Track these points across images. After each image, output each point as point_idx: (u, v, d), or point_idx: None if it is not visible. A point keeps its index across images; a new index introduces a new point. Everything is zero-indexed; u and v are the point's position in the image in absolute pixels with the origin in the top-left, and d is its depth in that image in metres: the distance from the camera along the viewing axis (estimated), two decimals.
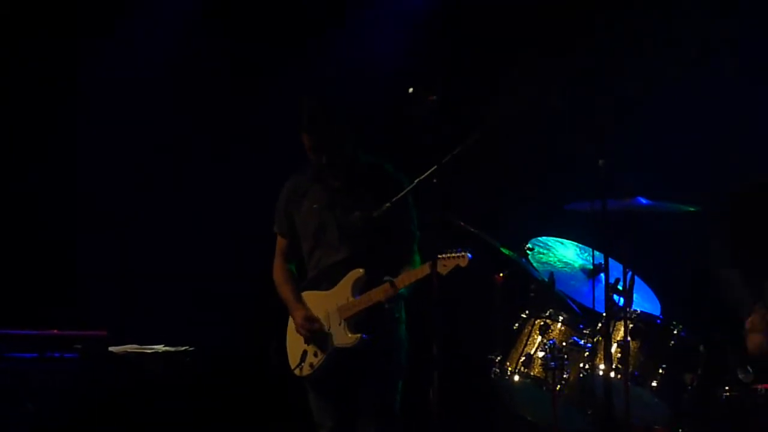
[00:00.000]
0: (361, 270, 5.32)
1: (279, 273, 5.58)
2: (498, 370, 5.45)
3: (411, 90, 5.01)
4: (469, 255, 5.10)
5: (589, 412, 5.27)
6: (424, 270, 5.18)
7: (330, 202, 5.41)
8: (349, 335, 5.37)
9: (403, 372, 5.54)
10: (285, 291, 5.53)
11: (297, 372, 5.46)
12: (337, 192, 5.42)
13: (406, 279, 5.23)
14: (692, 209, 5.42)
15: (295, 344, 5.49)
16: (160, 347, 5.69)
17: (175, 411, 6.63)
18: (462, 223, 5.50)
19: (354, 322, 5.34)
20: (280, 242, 5.64)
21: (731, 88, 6.65)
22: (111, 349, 5.54)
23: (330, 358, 5.39)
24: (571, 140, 6.35)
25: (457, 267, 5.19)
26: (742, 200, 5.77)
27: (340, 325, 5.39)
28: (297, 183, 5.55)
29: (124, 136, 7.66)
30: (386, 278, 5.28)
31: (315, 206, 5.48)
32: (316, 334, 5.43)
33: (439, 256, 5.09)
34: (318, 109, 5.41)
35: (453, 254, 5.14)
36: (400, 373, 5.51)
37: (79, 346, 5.46)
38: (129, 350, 5.66)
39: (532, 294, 5.64)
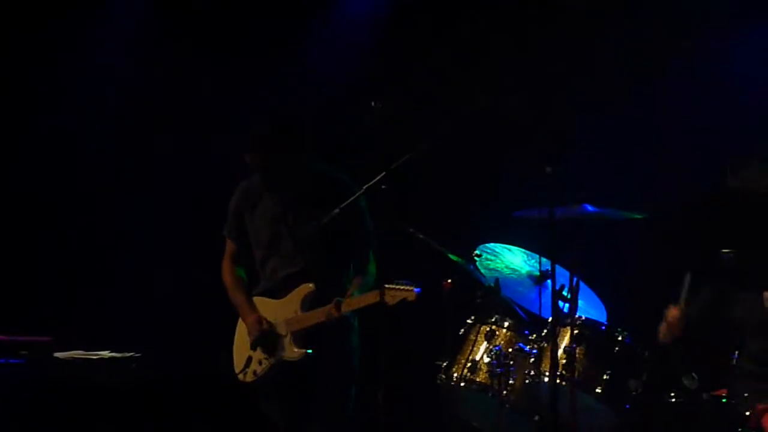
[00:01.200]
0: (311, 285, 5.30)
1: (229, 276, 5.56)
2: (444, 376, 5.44)
3: (373, 103, 5.09)
4: (417, 289, 5.04)
5: (535, 419, 5.27)
6: (370, 298, 5.17)
7: (283, 212, 5.40)
8: (295, 350, 5.38)
9: (355, 377, 5.53)
10: (236, 295, 5.52)
11: (240, 377, 5.46)
12: (290, 202, 5.42)
13: (353, 304, 5.26)
14: (638, 216, 5.44)
15: (241, 349, 5.47)
16: (106, 353, 5.79)
17: (120, 417, 6.43)
18: (411, 230, 5.48)
19: (300, 336, 5.34)
20: (230, 246, 5.61)
21: (677, 100, 6.72)
22: (57, 355, 5.64)
23: (273, 369, 5.38)
24: (521, 149, 6.46)
25: (405, 301, 5.08)
26: (692, 209, 5.89)
27: (286, 337, 5.41)
28: (249, 190, 5.53)
29: (69, 134, 7.53)
30: (336, 299, 5.22)
31: (268, 216, 5.48)
32: (265, 339, 5.38)
33: (387, 286, 5.05)
34: (264, 132, 5.38)
35: (402, 287, 5.08)
36: (351, 378, 5.50)
37: (25, 352, 5.57)
38: (75, 356, 5.75)
39: (478, 300, 5.59)
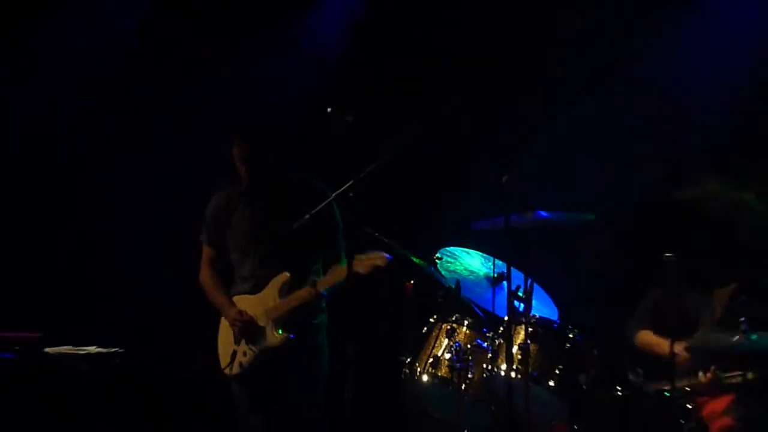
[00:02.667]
0: (287, 274, 5.50)
1: (207, 279, 5.76)
2: (408, 371, 5.60)
3: (329, 110, 5.35)
4: (388, 256, 5.28)
5: (492, 409, 5.43)
6: (342, 272, 5.36)
7: (260, 217, 5.64)
8: (276, 335, 5.53)
9: (324, 374, 5.74)
10: (216, 295, 5.70)
11: (227, 371, 5.62)
12: (265, 207, 5.65)
13: (329, 280, 5.47)
14: (590, 217, 5.59)
15: (225, 346, 5.67)
16: (93, 348, 5.93)
17: (104, 408, 6.52)
18: (376, 234, 5.61)
19: (281, 324, 5.51)
20: (207, 251, 5.80)
21: (625, 113, 6.86)
22: (46, 350, 5.80)
23: (258, 357, 5.55)
24: (478, 158, 6.66)
25: (377, 267, 5.30)
26: (639, 215, 6.22)
27: (267, 326, 5.57)
28: (226, 197, 5.76)
29: (59, 134, 7.61)
30: (312, 279, 5.46)
31: (246, 221, 5.71)
32: (247, 331, 5.59)
33: (358, 255, 5.24)
34: (248, 129, 5.63)
35: (371, 255, 5.29)
36: (322, 374, 5.71)
37: (17, 348, 5.75)
38: (63, 351, 5.91)
39: (439, 300, 5.76)
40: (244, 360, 5.65)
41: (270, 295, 5.61)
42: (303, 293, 5.55)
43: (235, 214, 5.77)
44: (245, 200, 5.75)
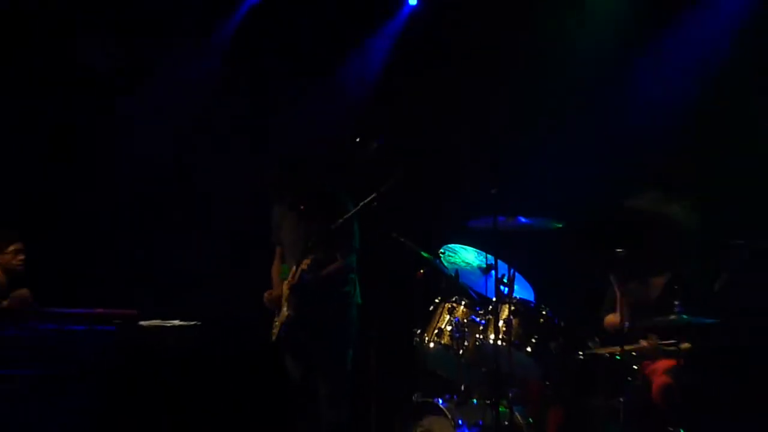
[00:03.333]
0: (304, 264, 6.36)
1: (274, 269, 6.75)
2: (418, 339, 6.34)
3: (357, 139, 6.35)
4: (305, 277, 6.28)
5: (483, 370, 6.17)
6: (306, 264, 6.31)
7: (299, 224, 6.63)
8: (283, 312, 6.49)
9: (351, 343, 6.60)
10: (274, 281, 6.70)
11: (272, 338, 6.55)
12: (303, 216, 6.65)
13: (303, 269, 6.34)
14: (558, 225, 6.38)
15: (275, 320, 6.63)
16: (176, 322, 6.79)
17: (185, 371, 7.10)
18: (394, 235, 6.45)
19: (294, 301, 6.42)
20: (278, 249, 6.82)
21: (589, 136, 7.59)
22: (141, 323, 6.64)
23: (281, 329, 6.48)
24: (474, 173, 7.19)
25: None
26: (598, 220, 6.83)
27: (284, 304, 6.51)
28: (279, 210, 6.79)
29: (146, 142, 8.40)
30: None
31: (290, 227, 6.70)
32: (275, 307, 6.51)
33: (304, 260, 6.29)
34: (286, 167, 6.59)
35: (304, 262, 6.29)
36: (348, 344, 6.57)
37: (118, 321, 6.51)
38: (154, 324, 6.74)
39: (442, 285, 6.49)
40: (275, 330, 6.54)
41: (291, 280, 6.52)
42: (293, 277, 6.42)
43: (284, 222, 6.75)
44: (290, 213, 6.68)
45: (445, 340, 6.25)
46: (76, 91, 8.43)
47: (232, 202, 8.49)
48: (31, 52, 8.32)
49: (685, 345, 6.07)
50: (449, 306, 6.37)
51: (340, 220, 6.34)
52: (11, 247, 7.19)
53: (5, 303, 6.94)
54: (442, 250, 6.62)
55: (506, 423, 6.09)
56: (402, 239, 6.52)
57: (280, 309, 6.57)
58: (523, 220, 6.24)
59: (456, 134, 7.89)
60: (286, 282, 6.64)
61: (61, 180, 8.46)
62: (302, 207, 6.67)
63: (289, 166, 6.69)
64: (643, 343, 6.16)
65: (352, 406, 6.55)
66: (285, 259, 6.83)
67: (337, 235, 6.49)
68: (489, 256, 6.41)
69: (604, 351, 6.23)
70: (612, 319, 6.55)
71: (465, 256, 6.68)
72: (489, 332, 6.09)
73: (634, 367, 6.10)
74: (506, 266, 6.30)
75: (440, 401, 6.26)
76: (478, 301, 6.45)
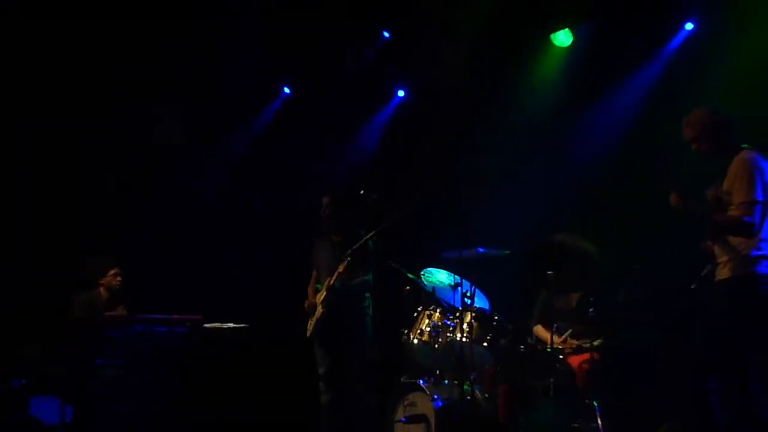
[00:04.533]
0: (333, 278, 6.91)
1: (310, 287, 7.43)
2: (405, 338, 6.91)
3: (362, 191, 7.26)
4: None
5: (452, 359, 6.73)
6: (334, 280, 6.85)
7: (333, 252, 7.26)
8: (319, 310, 7.08)
9: (368, 343, 7.21)
10: (310, 294, 7.31)
11: (308, 334, 7.14)
12: (336, 245, 7.28)
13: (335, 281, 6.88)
14: (506, 252, 6.94)
15: (310, 320, 7.21)
16: (230, 324, 7.35)
17: (239, 364, 8.11)
18: (392, 263, 7.25)
19: (328, 300, 7.00)
20: (314, 273, 7.45)
21: (531, 187, 8.19)
22: (205, 325, 7.23)
23: (316, 325, 7.11)
24: (447, 217, 8.06)
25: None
26: (535, 250, 7.38)
27: (317, 309, 7.12)
28: (318, 242, 7.46)
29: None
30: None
31: (326, 254, 7.34)
32: (310, 309, 7.14)
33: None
34: (335, 196, 7.32)
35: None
36: (365, 343, 7.19)
37: (188, 324, 7.13)
38: (214, 326, 7.32)
39: (423, 298, 7.12)
40: (310, 327, 7.15)
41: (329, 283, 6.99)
42: (330, 281, 6.93)
43: (321, 250, 7.43)
44: (326, 243, 7.36)
45: (425, 337, 6.87)
46: (155, 149, 9.30)
47: (279, 236, 9.29)
48: (121, 120, 9.12)
49: (597, 341, 6.78)
50: (428, 313, 6.94)
51: (357, 244, 6.98)
52: (111, 272, 7.97)
53: (108, 315, 7.78)
54: (422, 273, 7.20)
55: (468, 397, 6.70)
56: (395, 265, 7.27)
57: (314, 311, 7.17)
58: (481, 250, 6.79)
59: (434, 189, 8.37)
60: (324, 284, 7.16)
61: (140, 215, 9.18)
62: (337, 238, 7.34)
63: (333, 207, 7.33)
64: (566, 340, 6.98)
65: (375, 396, 7.04)
66: (319, 280, 7.39)
67: (360, 260, 7.08)
68: (456, 276, 7.01)
69: (539, 345, 6.97)
70: (539, 332, 7.20)
71: (439, 276, 7.22)
72: (456, 332, 6.67)
73: (561, 357, 6.75)
74: (468, 284, 6.88)
75: (421, 382, 6.88)
76: (448, 310, 6.98)
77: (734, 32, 7.31)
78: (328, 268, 7.20)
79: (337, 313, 7.02)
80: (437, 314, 6.91)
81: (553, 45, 8.33)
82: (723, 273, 5.61)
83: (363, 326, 7.17)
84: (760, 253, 5.52)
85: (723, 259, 5.61)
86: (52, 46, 8.39)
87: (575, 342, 6.86)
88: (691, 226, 5.89)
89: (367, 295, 7.16)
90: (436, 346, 6.79)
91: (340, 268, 6.83)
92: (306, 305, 7.20)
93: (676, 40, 7.87)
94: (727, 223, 5.55)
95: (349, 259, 6.79)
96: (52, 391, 7.36)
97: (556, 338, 6.78)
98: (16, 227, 8.82)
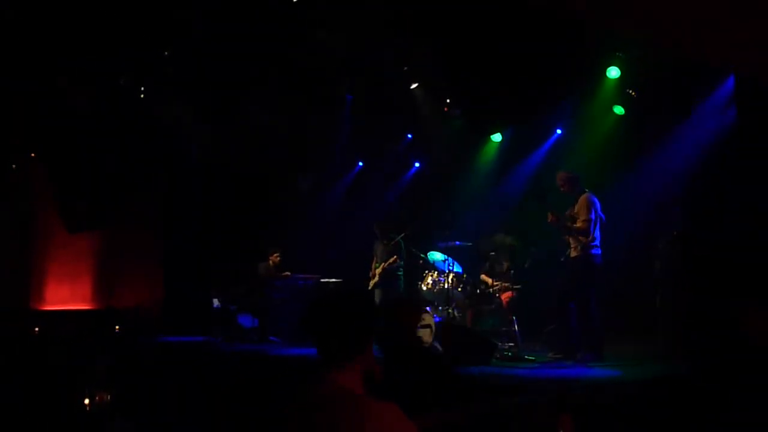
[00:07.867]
0: (379, 269, 10.98)
1: (373, 266, 11.24)
2: (419, 287, 10.88)
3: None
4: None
5: (443, 297, 10.61)
6: (380, 269, 10.26)
7: (384, 249, 11.56)
8: (375, 280, 11.35)
9: (398, 291, 11.03)
10: (372, 270, 11.16)
11: (369, 287, 10.96)
12: (385, 246, 11.62)
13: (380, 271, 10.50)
14: (469, 244, 10.91)
15: (371, 282, 11.21)
16: (334, 280, 12.05)
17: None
18: (412, 249, 11.28)
19: (381, 275, 11.32)
20: (374, 258, 11.45)
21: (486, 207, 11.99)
22: (322, 280, 11.92)
23: (373, 284, 11.20)
24: (443, 228, 11.33)
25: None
26: (485, 243, 10.81)
27: (376, 275, 11.31)
28: (376, 242, 11.66)
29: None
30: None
31: (380, 249, 11.53)
32: (372, 277, 11.06)
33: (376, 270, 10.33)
34: (379, 223, 11.62)
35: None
36: (398, 291, 10.92)
37: (313, 278, 11.79)
38: (326, 281, 12.04)
39: (428, 267, 11.15)
40: (371, 285, 11.13)
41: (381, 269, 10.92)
42: (382, 267, 10.74)
43: (378, 247, 11.53)
44: (380, 244, 11.36)
45: (429, 286, 10.88)
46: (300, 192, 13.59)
47: (359, 240, 13.06)
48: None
49: (516, 286, 10.59)
50: (430, 273, 11.01)
51: (392, 242, 10.76)
52: (275, 254, 12.73)
53: (282, 274, 11.74)
54: (427, 253, 11.24)
55: (452, 317, 10.26)
56: (414, 250, 11.36)
57: (373, 277, 11.37)
58: (458, 243, 10.93)
59: (435, 216, 11.88)
60: (378, 268, 11.18)
61: (295, 226, 13.59)
62: (385, 242, 11.31)
63: (379, 228, 11.45)
64: (501, 284, 10.83)
65: None
66: (375, 261, 11.59)
67: (394, 250, 11.10)
68: (445, 255, 10.94)
69: (487, 287, 10.83)
70: (485, 278, 10.76)
71: (436, 256, 11.24)
72: (445, 284, 10.69)
73: (496, 294, 10.67)
74: (451, 259, 10.84)
75: (428, 308, 10.11)
76: (442, 273, 10.82)
77: (582, 133, 11.43)
78: (380, 256, 11.64)
79: (384, 279, 11.46)
80: (435, 274, 11.16)
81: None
82: (574, 253, 9.22)
83: (397, 284, 11.59)
84: (592, 243, 9.15)
85: (574, 245, 9.23)
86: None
87: (505, 285, 10.60)
88: (558, 231, 9.27)
89: (400, 273, 11.53)
90: (435, 290, 11.02)
91: (388, 263, 10.82)
92: (370, 274, 11.44)
93: (548, 144, 12.33)
94: (577, 229, 9.08)
95: (389, 250, 10.82)
96: (249, 311, 12.16)
97: (494, 282, 10.72)
98: (236, 228, 13.84)
